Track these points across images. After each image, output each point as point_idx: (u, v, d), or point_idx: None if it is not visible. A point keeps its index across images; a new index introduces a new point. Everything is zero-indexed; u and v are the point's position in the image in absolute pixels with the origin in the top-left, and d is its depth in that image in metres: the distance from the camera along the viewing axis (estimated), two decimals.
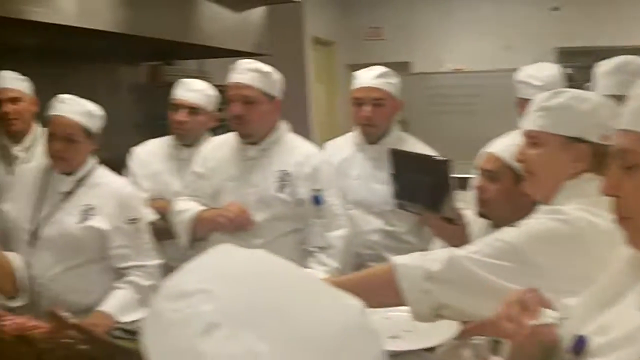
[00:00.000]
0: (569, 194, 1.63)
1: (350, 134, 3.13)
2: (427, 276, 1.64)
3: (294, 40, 7.58)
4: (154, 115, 5.31)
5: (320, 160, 2.75)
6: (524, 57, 5.51)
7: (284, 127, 2.78)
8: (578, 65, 5.82)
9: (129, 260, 2.58)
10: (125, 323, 2.33)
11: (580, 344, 1.19)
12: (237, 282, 0.80)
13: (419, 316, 1.69)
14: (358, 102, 2.96)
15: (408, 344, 1.85)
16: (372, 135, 3.00)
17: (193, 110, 3.12)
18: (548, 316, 1.26)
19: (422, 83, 8.07)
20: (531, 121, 1.71)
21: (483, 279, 1.58)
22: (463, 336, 1.86)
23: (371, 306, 0.89)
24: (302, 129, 2.90)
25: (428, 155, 2.40)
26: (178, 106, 3.13)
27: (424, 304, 1.65)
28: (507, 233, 1.65)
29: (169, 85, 3.33)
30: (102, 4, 3.80)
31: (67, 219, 2.53)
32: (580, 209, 1.56)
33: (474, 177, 2.17)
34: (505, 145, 2.05)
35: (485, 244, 1.66)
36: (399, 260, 1.70)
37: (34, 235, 2.52)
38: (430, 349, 1.87)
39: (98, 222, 2.54)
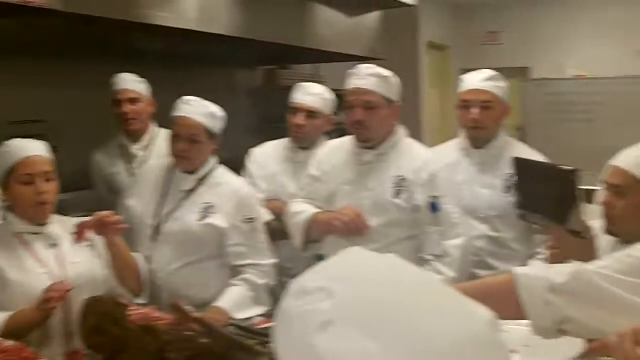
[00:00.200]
0: None
1: (456, 139, 3.08)
2: (550, 288, 1.57)
3: (408, 45, 7.55)
4: (269, 119, 5.43)
5: (439, 167, 2.71)
6: None
7: (401, 131, 2.76)
8: None
9: (245, 259, 2.64)
10: (240, 320, 2.37)
11: None
12: (359, 283, 0.82)
13: (540, 330, 1.61)
14: (466, 105, 2.91)
15: None
16: (479, 139, 2.94)
17: (311, 113, 3.15)
18: None
19: (542, 89, 7.82)
20: None
21: (612, 294, 1.50)
22: (587, 356, 1.77)
23: None
24: (414, 135, 2.87)
25: (554, 165, 2.30)
26: (296, 110, 3.17)
27: (546, 317, 1.58)
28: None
29: (284, 89, 3.38)
30: (222, 9, 3.92)
31: (188, 216, 2.62)
32: None
33: (599, 190, 2.06)
34: (634, 158, 1.94)
35: (615, 260, 1.57)
36: (520, 270, 1.64)
37: (157, 231, 2.63)
38: None
39: (217, 220, 2.62)
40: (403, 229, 2.64)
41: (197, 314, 1.65)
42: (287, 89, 3.34)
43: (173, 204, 2.65)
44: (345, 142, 2.80)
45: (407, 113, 2.73)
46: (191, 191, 2.66)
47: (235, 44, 4.23)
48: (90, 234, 2.24)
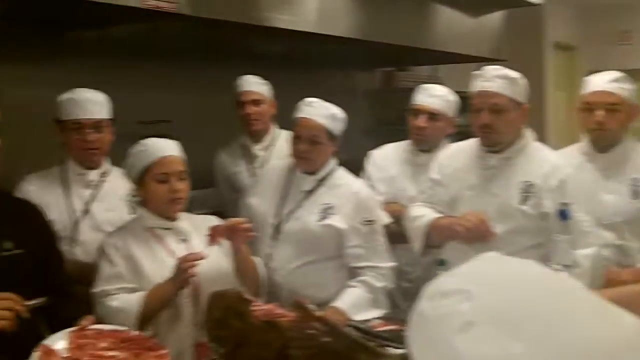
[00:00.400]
0: None
1: (577, 144, 2.96)
2: None
3: (532, 45, 7.31)
4: (386, 121, 5.41)
5: (568, 173, 2.59)
6: None
7: (529, 135, 2.66)
8: None
9: (363, 260, 2.64)
10: (357, 321, 2.36)
11: None
12: (498, 285, 0.82)
13: None
14: (589, 107, 2.82)
15: None
16: (603, 142, 2.83)
17: (433, 115, 3.11)
18: None
19: None
20: None
21: None
22: None
23: None
24: (538, 140, 2.75)
25: None
26: (418, 111, 3.13)
27: None
28: None
29: (402, 91, 3.34)
30: (341, 11, 3.93)
31: (308, 217, 2.65)
32: None
33: None
34: None
35: None
36: None
37: (277, 230, 2.68)
38: None
39: (336, 221, 2.63)
40: (529, 237, 2.54)
41: (320, 313, 1.65)
42: (405, 91, 3.31)
43: (293, 203, 2.69)
44: (469, 145, 2.73)
45: (531, 116, 2.62)
46: (311, 192, 2.69)
47: (354, 45, 4.24)
48: (222, 238, 2.29)
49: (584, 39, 8.66)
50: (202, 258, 2.18)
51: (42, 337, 1.96)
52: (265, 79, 3.60)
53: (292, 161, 2.75)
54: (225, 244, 2.37)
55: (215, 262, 2.31)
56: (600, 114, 2.77)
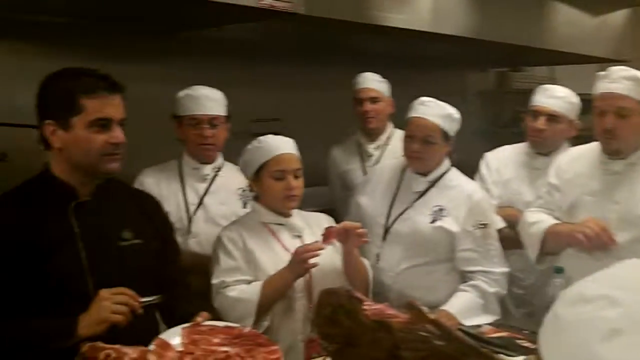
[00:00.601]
0: None
1: None
2: None
3: None
4: (499, 122, 5.29)
5: None
6: None
7: None
8: None
9: (476, 265, 2.58)
10: (468, 327, 2.30)
11: None
12: None
13: None
14: None
15: None
16: None
17: (553, 117, 2.98)
18: None
19: None
20: None
21: None
22: None
23: None
24: None
25: None
26: (537, 113, 3.02)
27: None
28: None
29: (517, 92, 3.23)
30: (455, 9, 3.86)
31: (419, 218, 2.61)
32: None
33: None
34: None
35: None
36: None
37: (386, 230, 2.65)
38: None
39: (448, 223, 2.58)
40: None
41: (433, 315, 1.61)
42: (520, 93, 3.21)
43: (404, 204, 2.65)
44: (590, 149, 2.60)
45: None
46: (423, 193, 2.65)
47: (468, 45, 4.15)
48: (335, 239, 2.30)
49: None
50: (321, 249, 2.20)
51: (157, 331, 2.02)
52: None
53: (404, 161, 2.71)
54: (338, 243, 2.38)
55: (329, 259, 2.32)
56: None
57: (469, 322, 2.40)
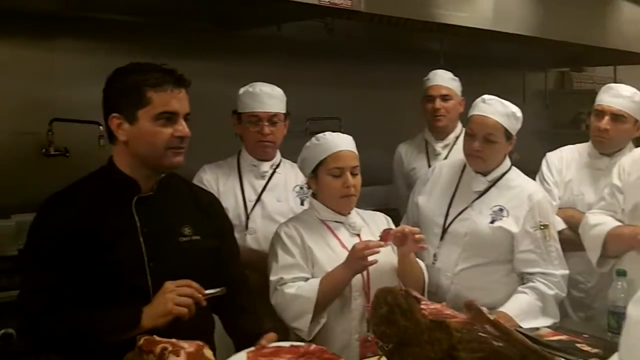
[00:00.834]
0: None
1: None
2: None
3: None
4: (559, 123, 5.19)
5: None
6: None
7: None
8: None
9: (535, 266, 2.53)
10: (525, 329, 2.27)
11: None
12: None
13: None
14: None
15: None
16: None
17: (617, 117, 2.91)
18: None
19: None
20: None
21: None
22: None
23: None
24: None
25: None
26: (601, 112, 2.95)
27: None
28: None
29: (577, 93, 3.16)
30: (517, 7, 3.82)
31: (478, 218, 2.57)
32: None
33: None
34: None
35: None
36: None
37: (444, 230, 2.62)
38: None
39: (508, 224, 2.54)
40: None
41: (493, 316, 1.59)
42: (581, 93, 3.13)
43: (463, 204, 2.62)
44: None
45: None
46: (482, 192, 2.61)
47: (528, 43, 4.09)
48: (392, 242, 2.30)
49: None
50: (381, 247, 2.20)
51: (213, 331, 2.04)
52: None
53: (463, 160, 2.68)
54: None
55: (388, 258, 2.31)
56: None
57: (526, 324, 2.37)
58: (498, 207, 2.56)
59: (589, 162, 3.02)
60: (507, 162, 2.64)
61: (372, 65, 4.25)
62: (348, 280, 2.26)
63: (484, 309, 1.61)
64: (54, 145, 3.16)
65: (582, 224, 2.65)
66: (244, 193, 2.78)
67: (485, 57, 4.60)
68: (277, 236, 2.38)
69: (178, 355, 1.49)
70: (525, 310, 2.44)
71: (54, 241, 1.83)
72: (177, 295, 1.80)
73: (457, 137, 3.38)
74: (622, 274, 2.25)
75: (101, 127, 2.92)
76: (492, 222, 2.54)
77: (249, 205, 2.76)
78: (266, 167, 2.82)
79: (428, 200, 2.72)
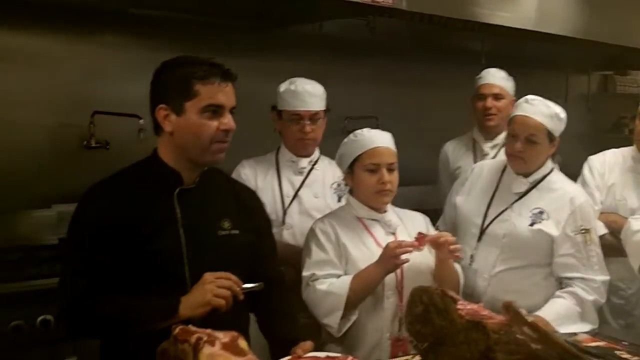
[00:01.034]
0: None
1: None
2: None
3: None
4: (601, 127, 5.10)
5: None
6: None
7: None
8: None
9: (574, 271, 2.49)
10: (562, 334, 2.23)
11: None
12: None
13: None
14: None
15: None
16: None
17: None
18: None
19: None
20: None
21: None
22: None
23: None
24: None
25: None
26: None
27: None
28: None
29: (620, 97, 3.09)
30: (560, 8, 3.77)
31: (518, 220, 2.54)
32: None
33: None
34: None
35: None
36: None
37: (482, 231, 2.59)
38: None
39: (548, 227, 2.50)
40: None
41: (531, 318, 1.57)
42: (623, 96, 3.06)
43: (502, 205, 2.59)
44: None
45: None
46: (523, 194, 2.57)
47: (572, 45, 4.03)
48: (427, 246, 2.28)
49: None
50: (414, 246, 2.19)
51: (248, 326, 2.04)
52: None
53: (504, 160, 2.65)
54: None
55: (423, 258, 2.30)
56: None
57: (564, 329, 2.32)
58: (538, 210, 2.52)
59: (632, 167, 2.95)
60: (549, 164, 2.60)
61: (412, 64, 4.23)
62: (380, 279, 2.25)
63: (522, 311, 1.59)
64: (95, 137, 3.22)
65: (625, 229, 2.58)
66: (282, 189, 2.79)
67: (527, 58, 4.53)
68: (311, 232, 2.39)
69: (213, 345, 1.50)
70: (563, 315, 2.40)
71: (95, 229, 1.86)
72: (216, 286, 1.81)
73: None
74: None
75: (141, 121, 3.00)
76: (532, 224, 2.51)
77: (287, 200, 2.77)
78: (304, 163, 2.82)
79: (466, 200, 2.69)
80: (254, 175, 2.79)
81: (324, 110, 2.79)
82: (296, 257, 2.45)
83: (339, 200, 2.76)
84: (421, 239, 2.24)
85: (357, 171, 2.35)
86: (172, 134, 1.90)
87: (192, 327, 1.58)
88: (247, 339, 1.91)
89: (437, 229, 2.59)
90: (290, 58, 3.57)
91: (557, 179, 2.61)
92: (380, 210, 2.38)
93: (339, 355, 1.90)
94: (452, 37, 4.15)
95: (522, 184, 2.58)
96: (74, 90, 3.20)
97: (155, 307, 1.83)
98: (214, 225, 1.97)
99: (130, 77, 3.20)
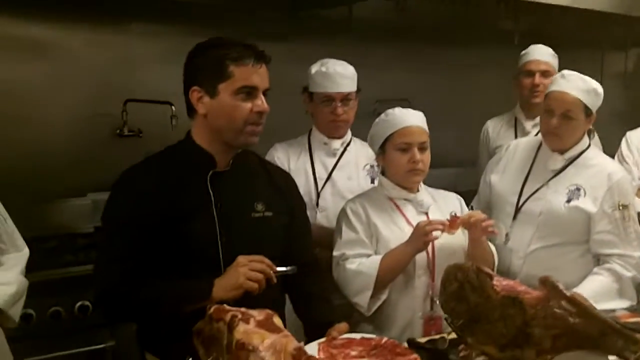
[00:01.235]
0: None
1: None
2: None
3: None
4: (638, 105, 4.98)
5: None
6: None
7: None
8: None
9: (612, 248, 2.44)
10: (600, 311, 2.19)
11: None
12: None
13: None
14: None
15: None
16: None
17: None
18: None
19: None
20: None
21: None
22: None
23: None
24: None
25: None
26: None
27: None
28: None
29: None
30: None
31: (554, 197, 2.50)
32: None
33: None
34: None
35: None
36: None
37: (518, 209, 2.55)
38: None
39: (585, 203, 2.46)
40: None
41: (570, 292, 1.54)
42: None
43: (538, 182, 2.55)
44: None
45: None
46: (559, 171, 2.53)
47: (608, 21, 3.93)
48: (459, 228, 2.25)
49: None
50: (444, 226, 2.17)
51: (283, 309, 2.04)
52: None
53: (540, 138, 2.61)
54: None
55: (455, 237, 2.27)
56: None
57: (602, 306, 2.24)
58: (575, 186, 2.47)
59: None
60: (586, 140, 2.55)
61: (443, 46, 4.17)
62: (409, 258, 2.24)
63: (560, 285, 1.56)
64: (128, 126, 3.25)
65: None
66: (315, 171, 2.78)
67: (562, 36, 4.43)
68: (342, 212, 2.38)
69: (248, 323, 1.50)
70: (600, 292, 2.36)
71: (129, 214, 1.88)
72: (249, 269, 1.82)
73: None
74: None
75: (173, 108, 3.02)
76: (568, 201, 2.46)
77: (320, 183, 2.77)
78: (337, 144, 2.81)
79: (501, 178, 2.66)
80: (286, 158, 2.78)
81: (356, 91, 2.77)
82: (330, 239, 2.44)
83: (372, 182, 2.75)
84: (453, 222, 2.22)
85: (388, 151, 2.32)
86: (205, 116, 1.90)
87: (226, 306, 1.59)
88: (283, 320, 1.92)
89: (471, 208, 2.56)
90: (320, 42, 3.54)
91: (594, 155, 2.56)
92: (412, 190, 2.36)
93: (373, 336, 1.89)
94: (483, 17, 4.08)
95: (558, 161, 2.53)
96: (105, 80, 3.23)
97: (189, 290, 1.85)
98: (247, 207, 1.97)
99: (161, 64, 3.23)
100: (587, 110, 2.47)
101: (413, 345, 1.96)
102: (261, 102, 1.89)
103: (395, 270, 2.24)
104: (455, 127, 3.70)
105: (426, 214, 2.35)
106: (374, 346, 1.80)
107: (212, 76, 1.87)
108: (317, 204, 2.74)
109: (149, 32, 3.34)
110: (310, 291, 2.10)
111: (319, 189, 2.76)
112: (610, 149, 3.01)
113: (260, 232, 1.97)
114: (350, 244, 2.30)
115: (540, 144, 2.60)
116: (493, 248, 2.40)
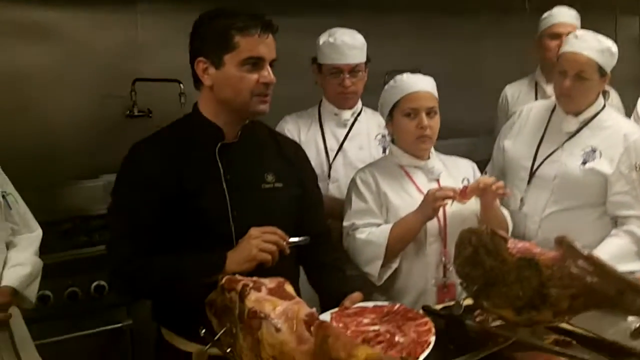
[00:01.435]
0: None
1: None
2: None
3: None
4: None
5: None
6: None
7: None
8: None
9: (629, 209, 2.40)
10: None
11: None
12: None
13: None
14: None
15: None
16: None
17: None
18: None
19: None
20: None
21: None
22: None
23: None
24: None
25: None
26: None
27: None
28: None
29: None
30: None
31: (569, 160, 2.46)
32: None
33: None
34: None
35: None
36: None
37: (532, 174, 2.52)
38: None
39: (600, 165, 2.42)
40: None
41: (588, 252, 1.51)
42: None
43: (552, 146, 2.51)
44: None
45: None
46: (574, 133, 2.49)
47: None
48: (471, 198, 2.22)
49: None
50: (455, 193, 2.14)
51: (297, 279, 2.02)
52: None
53: (553, 101, 2.56)
54: None
55: (467, 204, 2.24)
56: None
57: (620, 268, 2.19)
58: (590, 148, 2.44)
59: None
60: (601, 100, 2.50)
61: (452, 16, 4.11)
62: (420, 226, 2.21)
63: (577, 244, 1.53)
64: (138, 106, 3.24)
65: None
66: (326, 142, 2.76)
67: (574, 2, 4.37)
68: (352, 182, 2.36)
69: (259, 291, 1.49)
70: (619, 254, 2.31)
71: (138, 188, 1.86)
72: (262, 241, 1.80)
73: None
74: None
75: (181, 85, 3.00)
76: (584, 163, 2.43)
77: (331, 154, 2.74)
78: (347, 115, 2.78)
79: (514, 143, 2.62)
80: (297, 130, 2.76)
81: (365, 62, 2.73)
82: (342, 210, 2.42)
83: (384, 151, 2.71)
84: (463, 192, 2.19)
85: (396, 117, 2.30)
86: (211, 88, 1.87)
87: (238, 276, 1.57)
88: (297, 291, 1.91)
89: (485, 174, 2.53)
90: (329, 14, 3.49)
91: (609, 116, 2.51)
92: (423, 157, 2.33)
93: (386, 303, 1.87)
94: None
95: (572, 123, 2.49)
96: (113, 62, 3.22)
97: (201, 263, 1.83)
98: (257, 179, 1.95)
99: (167, 42, 3.20)
100: (601, 70, 2.42)
101: (428, 312, 1.95)
102: (267, 73, 1.85)
103: (405, 238, 2.22)
104: (469, 97, 3.64)
105: (437, 181, 2.32)
106: (386, 313, 1.78)
107: (218, 47, 1.83)
108: (329, 175, 2.72)
109: (154, 10, 3.30)
110: (324, 261, 2.07)
111: (331, 160, 2.73)
112: (625, 113, 2.96)
113: (271, 203, 1.95)
114: (360, 214, 2.29)
115: (554, 107, 2.55)
116: (507, 213, 2.37)
